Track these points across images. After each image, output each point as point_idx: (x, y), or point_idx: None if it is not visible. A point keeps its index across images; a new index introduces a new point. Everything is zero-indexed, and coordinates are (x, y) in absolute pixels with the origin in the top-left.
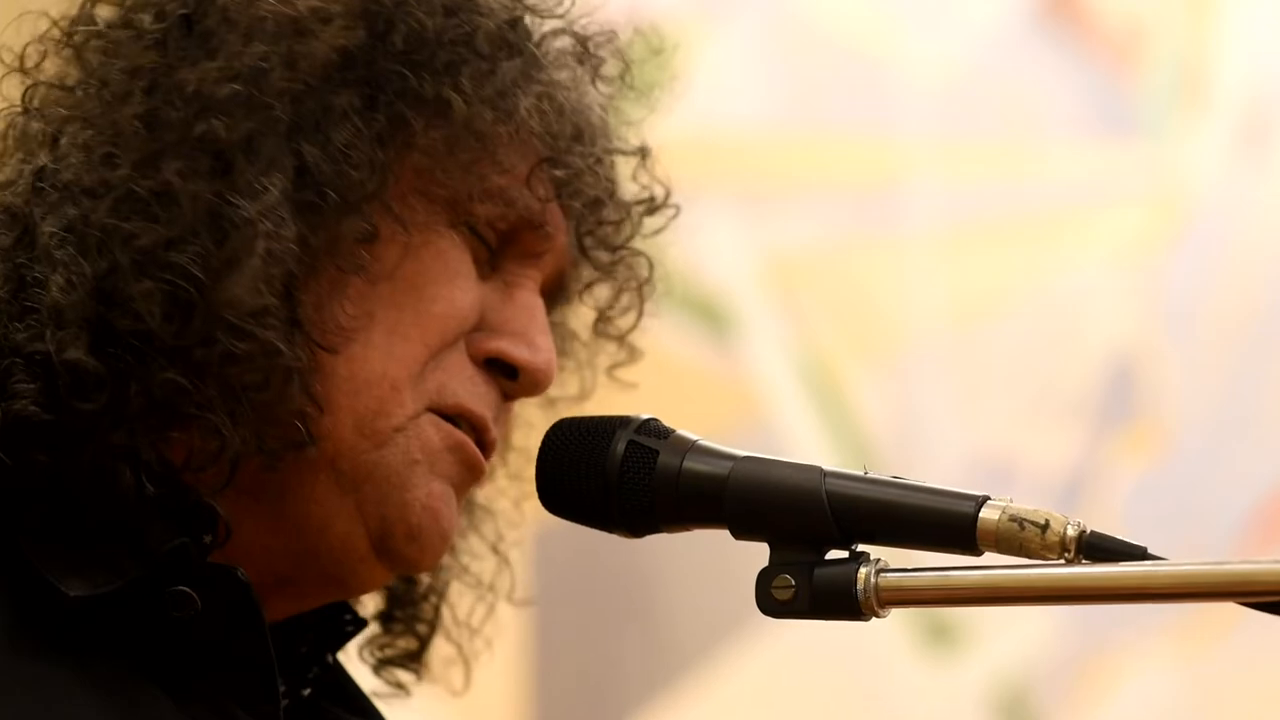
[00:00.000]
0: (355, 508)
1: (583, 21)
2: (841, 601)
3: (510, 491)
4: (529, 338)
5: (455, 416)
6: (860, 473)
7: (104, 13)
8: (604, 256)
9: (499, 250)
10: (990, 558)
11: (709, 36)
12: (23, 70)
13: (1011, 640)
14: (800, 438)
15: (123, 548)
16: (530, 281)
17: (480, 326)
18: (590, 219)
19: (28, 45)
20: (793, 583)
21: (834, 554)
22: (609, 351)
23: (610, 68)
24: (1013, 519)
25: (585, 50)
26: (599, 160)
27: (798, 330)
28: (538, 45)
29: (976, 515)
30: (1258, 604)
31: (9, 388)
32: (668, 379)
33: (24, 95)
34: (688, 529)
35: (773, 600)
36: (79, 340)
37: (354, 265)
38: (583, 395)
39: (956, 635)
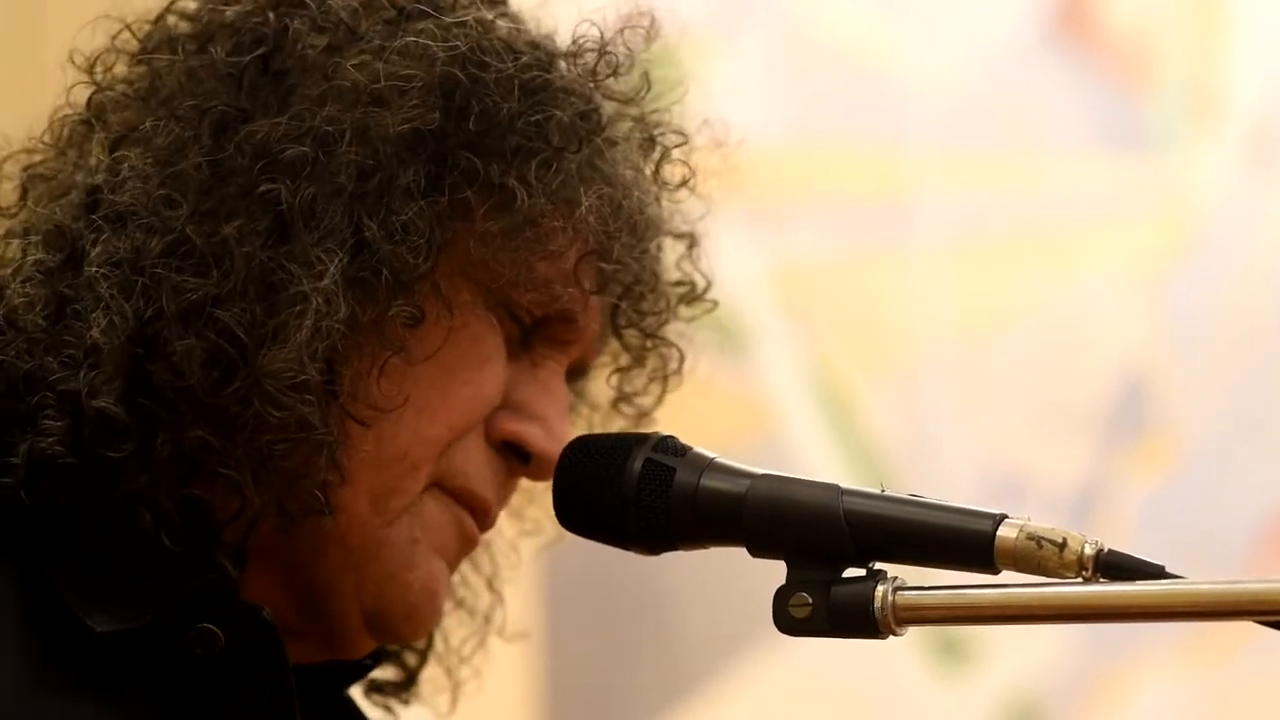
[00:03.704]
0: (355, 584)
1: (653, 109)
2: (859, 620)
3: (508, 530)
4: (548, 424)
5: (459, 497)
6: (877, 491)
7: (179, 26)
8: (637, 341)
9: (531, 331)
10: (1007, 576)
11: (719, 51)
12: (90, 73)
13: (1023, 656)
14: (811, 452)
15: (150, 585)
16: (557, 364)
17: (502, 405)
18: (629, 307)
19: (101, 54)
20: (810, 601)
21: (851, 572)
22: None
23: (675, 169)
24: (1030, 537)
25: (652, 142)
26: (645, 253)
27: (808, 344)
28: (605, 132)
29: (994, 534)
30: (1275, 623)
31: (38, 423)
32: (677, 392)
33: (89, 99)
34: (705, 546)
35: (790, 618)
36: (112, 386)
37: (396, 345)
38: None
39: (968, 651)
